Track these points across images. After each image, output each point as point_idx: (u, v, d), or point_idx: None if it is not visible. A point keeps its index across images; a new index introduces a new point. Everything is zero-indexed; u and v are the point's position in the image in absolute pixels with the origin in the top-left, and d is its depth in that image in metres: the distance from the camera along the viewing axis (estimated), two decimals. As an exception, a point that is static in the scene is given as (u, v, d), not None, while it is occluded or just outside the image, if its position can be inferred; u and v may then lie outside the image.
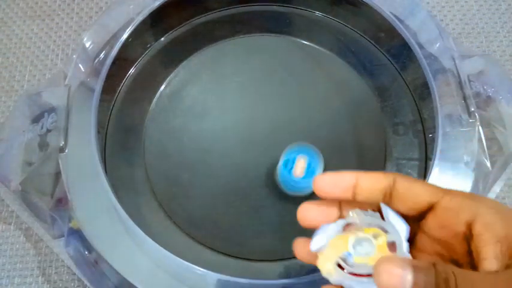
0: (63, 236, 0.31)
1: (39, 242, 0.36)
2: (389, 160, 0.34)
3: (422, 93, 0.34)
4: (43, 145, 0.31)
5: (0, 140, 0.34)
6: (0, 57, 0.43)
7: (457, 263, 0.19)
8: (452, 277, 0.16)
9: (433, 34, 0.34)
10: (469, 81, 0.32)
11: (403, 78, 0.36)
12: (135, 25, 0.35)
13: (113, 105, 0.36)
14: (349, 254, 0.19)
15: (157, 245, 0.27)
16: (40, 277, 0.35)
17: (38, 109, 0.33)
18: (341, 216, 0.21)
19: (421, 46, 0.34)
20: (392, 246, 0.19)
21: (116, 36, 0.35)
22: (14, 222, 0.37)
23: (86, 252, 0.30)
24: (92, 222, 0.29)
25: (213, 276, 0.27)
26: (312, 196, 0.33)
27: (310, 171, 0.31)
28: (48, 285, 0.35)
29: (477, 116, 0.31)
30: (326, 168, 0.34)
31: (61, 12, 0.44)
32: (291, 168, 0.29)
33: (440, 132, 0.30)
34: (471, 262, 0.18)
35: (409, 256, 0.19)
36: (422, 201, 0.19)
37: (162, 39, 0.38)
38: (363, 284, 0.18)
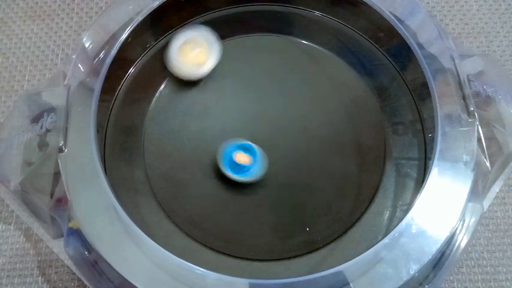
0: (62, 236, 0.31)
1: (39, 242, 0.36)
2: (389, 160, 0.34)
3: (422, 93, 0.34)
4: (42, 145, 0.31)
5: (0, 140, 0.34)
6: (0, 57, 0.43)
7: None
8: None
9: (433, 34, 0.34)
10: (469, 81, 0.32)
11: (402, 78, 0.36)
12: (135, 25, 0.35)
13: (113, 105, 0.36)
14: None
15: (157, 245, 0.27)
16: (40, 277, 0.35)
17: (38, 109, 0.33)
18: None
19: (420, 46, 0.34)
20: None
21: (115, 36, 0.35)
22: (14, 222, 0.37)
23: (86, 252, 0.30)
24: (91, 222, 0.29)
25: (213, 276, 0.27)
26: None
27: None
28: (48, 285, 0.35)
29: (476, 116, 0.31)
30: (328, 168, 0.35)
31: (61, 12, 0.45)
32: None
33: (439, 132, 0.30)
34: None
35: None
36: None
37: (162, 39, 0.38)
38: None
